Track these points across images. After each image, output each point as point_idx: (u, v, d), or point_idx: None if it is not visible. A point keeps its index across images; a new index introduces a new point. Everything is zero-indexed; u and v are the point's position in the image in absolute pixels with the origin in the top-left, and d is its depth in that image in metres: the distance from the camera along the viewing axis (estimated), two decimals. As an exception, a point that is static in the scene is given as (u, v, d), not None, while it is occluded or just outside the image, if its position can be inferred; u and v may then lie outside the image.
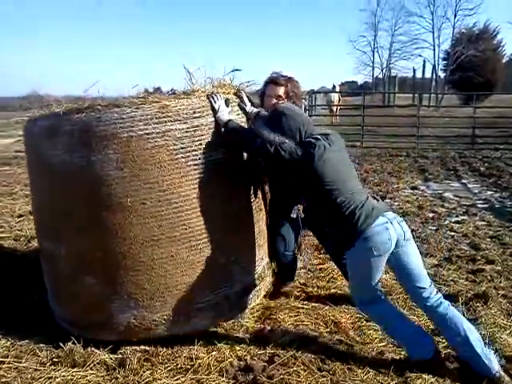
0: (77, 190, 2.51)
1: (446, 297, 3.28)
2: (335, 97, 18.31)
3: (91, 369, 2.49)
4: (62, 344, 2.65)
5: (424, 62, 36.60)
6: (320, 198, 2.44)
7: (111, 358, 2.58)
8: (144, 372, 2.47)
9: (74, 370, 2.48)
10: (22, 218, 5.50)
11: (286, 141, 2.41)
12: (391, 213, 2.49)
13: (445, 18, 35.56)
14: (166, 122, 2.46)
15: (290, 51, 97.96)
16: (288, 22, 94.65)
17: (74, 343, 2.63)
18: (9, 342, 2.74)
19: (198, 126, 2.55)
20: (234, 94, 2.90)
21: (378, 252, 2.35)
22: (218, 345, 2.69)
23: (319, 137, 2.45)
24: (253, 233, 2.93)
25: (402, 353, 2.64)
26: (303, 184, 2.47)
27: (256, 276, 2.98)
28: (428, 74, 35.55)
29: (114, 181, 2.44)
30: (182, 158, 2.51)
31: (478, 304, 3.17)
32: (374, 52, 39.57)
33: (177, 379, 2.42)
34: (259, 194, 3.06)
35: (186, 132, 2.51)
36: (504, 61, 34.73)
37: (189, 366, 2.51)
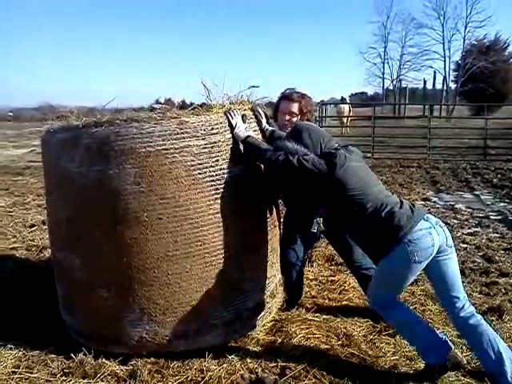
0: (93, 203, 2.52)
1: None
2: (345, 108, 18.32)
3: (102, 380, 2.49)
4: (73, 355, 2.65)
5: (434, 73, 36.64)
6: (346, 207, 2.43)
7: (122, 370, 2.57)
8: (155, 384, 2.46)
9: (85, 381, 2.48)
10: (34, 228, 5.54)
11: (308, 153, 2.43)
12: (433, 217, 2.43)
13: (455, 29, 35.62)
14: (184, 138, 2.47)
15: (301, 62, 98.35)
16: (297, 32, 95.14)
17: (84, 354, 2.63)
18: (21, 353, 2.74)
19: (215, 143, 2.56)
20: (251, 109, 2.92)
21: (419, 258, 2.28)
22: (229, 357, 2.67)
23: (339, 147, 2.49)
24: (266, 250, 2.93)
25: (415, 366, 2.60)
26: (327, 194, 2.46)
27: (268, 293, 2.97)
28: (438, 85, 35.59)
29: (131, 195, 2.45)
30: (199, 174, 2.52)
31: (492, 318, 3.12)
32: (384, 63, 39.67)
33: (187, 394, 2.41)
34: (274, 211, 3.06)
35: (204, 148, 2.52)
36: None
37: (199, 379, 2.49)
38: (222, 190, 2.59)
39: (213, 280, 2.63)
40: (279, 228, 3.21)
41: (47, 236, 4.98)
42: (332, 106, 21.24)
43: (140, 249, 2.50)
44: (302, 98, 3.12)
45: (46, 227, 5.43)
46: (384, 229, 2.34)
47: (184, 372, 2.55)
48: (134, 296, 2.56)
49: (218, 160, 2.57)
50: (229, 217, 2.63)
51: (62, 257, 2.77)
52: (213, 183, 2.56)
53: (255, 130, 2.85)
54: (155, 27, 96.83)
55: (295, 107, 3.09)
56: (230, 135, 2.63)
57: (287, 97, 3.13)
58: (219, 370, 2.55)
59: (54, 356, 2.71)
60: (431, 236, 2.29)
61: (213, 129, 2.56)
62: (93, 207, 2.53)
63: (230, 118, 2.63)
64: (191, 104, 2.84)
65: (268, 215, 2.94)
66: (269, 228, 2.95)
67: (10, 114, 31.76)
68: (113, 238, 2.52)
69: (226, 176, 2.60)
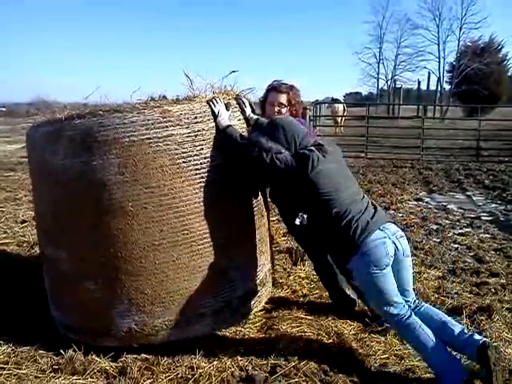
0: (78, 195, 2.51)
1: (450, 310, 3.28)
2: (340, 107, 18.36)
3: (91, 377, 2.48)
4: (62, 351, 2.64)
5: (429, 74, 36.87)
6: (316, 210, 2.45)
7: (112, 366, 2.56)
8: (144, 381, 2.45)
9: (74, 377, 2.47)
10: (25, 224, 5.51)
11: (282, 151, 2.43)
12: (393, 226, 2.46)
13: (450, 30, 35.88)
14: (167, 126, 2.47)
15: (295, 62, 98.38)
16: (293, 32, 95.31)
17: (74, 350, 2.62)
18: (10, 349, 2.73)
19: (199, 131, 2.56)
20: (235, 99, 2.90)
21: (377, 267, 2.32)
22: (220, 354, 2.67)
23: (313, 148, 2.45)
24: (254, 238, 2.93)
25: (405, 364, 2.62)
26: (300, 195, 2.48)
27: (258, 282, 2.96)
28: (433, 86, 35.81)
29: (116, 185, 2.44)
30: (184, 162, 2.51)
31: (482, 317, 3.14)
32: (379, 63, 39.85)
33: (179, 389, 2.40)
34: (261, 200, 3.06)
35: (188, 137, 2.52)
36: (509, 74, 34.83)
37: (189, 376, 2.48)
38: (206, 179, 2.58)
39: (200, 269, 2.62)
40: (268, 217, 3.21)
41: (38, 232, 4.99)
42: (326, 105, 21.28)
43: (126, 239, 2.49)
44: (290, 90, 3.13)
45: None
46: (342, 238, 2.37)
47: (174, 369, 2.55)
48: (121, 287, 2.55)
49: (202, 149, 2.56)
50: (215, 205, 2.63)
51: (49, 251, 2.76)
52: (197, 172, 2.55)
53: (240, 119, 2.84)
54: (153, 26, 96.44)
55: (283, 98, 3.09)
56: (214, 124, 2.62)
57: (275, 88, 3.13)
58: (209, 368, 2.55)
59: (43, 352, 2.70)
60: (385, 246, 2.32)
61: (196, 117, 2.55)
62: (77, 199, 2.52)
63: (212, 106, 2.62)
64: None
65: (255, 204, 2.93)
66: (256, 217, 2.94)
67: (3, 108, 31.54)
68: (98, 230, 2.51)
69: (210, 164, 2.59)
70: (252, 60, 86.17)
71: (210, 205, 2.61)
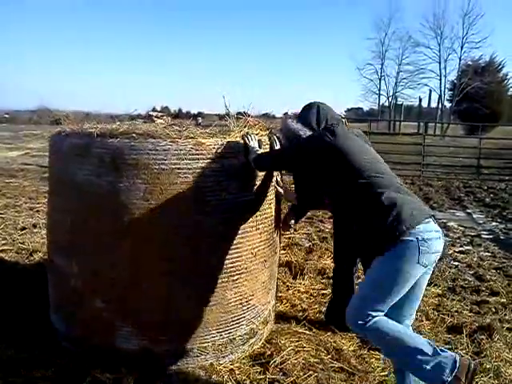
0: (100, 213, 2.50)
1: (450, 328, 3.26)
2: (341, 122, 18.39)
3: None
4: (58, 360, 2.61)
5: (430, 91, 37.12)
6: (347, 186, 2.14)
7: (108, 377, 2.52)
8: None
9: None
10: (24, 231, 5.48)
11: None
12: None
13: (451, 49, 36.22)
14: (198, 159, 2.47)
15: (297, 76, 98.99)
16: (295, 46, 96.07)
17: (71, 361, 2.59)
18: (5, 356, 2.70)
19: (229, 166, 2.55)
20: (268, 134, 2.91)
21: (425, 261, 2.00)
22: (217, 368, 2.64)
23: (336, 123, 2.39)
24: (265, 276, 2.92)
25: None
26: (333, 174, 2.21)
27: (262, 320, 2.95)
28: (434, 104, 36.01)
29: (138, 210, 2.43)
30: (209, 196, 2.51)
31: (482, 336, 3.12)
32: (380, 80, 40.14)
33: (173, 402, 2.37)
34: (276, 238, 3.05)
35: (216, 171, 2.51)
36: (509, 93, 35.08)
37: (186, 388, 2.46)
38: (229, 215, 2.58)
39: (211, 303, 2.61)
40: (279, 255, 3.21)
41: (37, 239, 4.97)
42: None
43: (141, 263, 2.49)
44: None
45: (36, 230, 5.40)
46: (394, 216, 1.98)
47: (169, 380, 2.51)
48: (129, 310, 2.54)
49: (230, 184, 2.56)
50: (232, 242, 2.63)
51: (60, 261, 2.74)
52: (221, 207, 2.55)
53: None
54: (153, 31, 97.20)
55: None
56: (244, 160, 2.61)
57: None
58: (207, 381, 2.52)
59: (40, 362, 2.67)
60: (439, 241, 2.05)
61: (227, 152, 2.55)
62: (98, 216, 2.50)
63: (247, 140, 2.61)
64: (187, 113, 2.86)
65: (270, 242, 2.92)
66: (270, 255, 2.93)
67: (6, 115, 31.65)
68: (115, 250, 2.49)
69: (235, 200, 2.59)
70: (258, 77, 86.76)
71: (228, 240, 2.61)
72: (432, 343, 2.03)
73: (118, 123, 2.86)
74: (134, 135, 2.44)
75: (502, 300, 3.86)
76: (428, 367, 1.95)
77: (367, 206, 2.08)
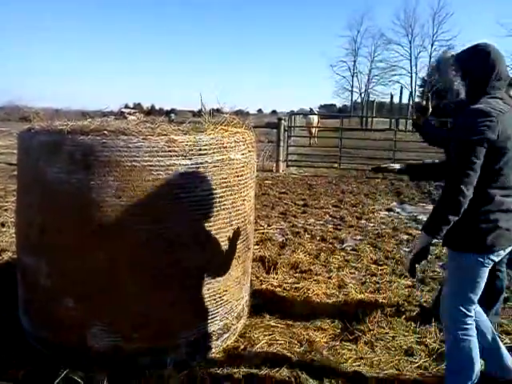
0: (70, 211, 2.45)
1: (420, 317, 3.34)
2: (314, 119, 18.55)
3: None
4: (28, 362, 2.57)
5: (401, 88, 37.71)
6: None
7: (80, 376, 2.49)
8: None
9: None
10: (-8, 231, 5.36)
11: None
12: None
13: (422, 46, 36.90)
14: (171, 156, 2.45)
15: (272, 72, 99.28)
16: (268, 44, 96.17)
17: (42, 361, 2.56)
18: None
19: (202, 164, 2.54)
20: (244, 130, 2.90)
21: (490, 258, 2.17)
22: (191, 363, 2.64)
23: None
24: (239, 272, 2.92)
25: (377, 371, 2.65)
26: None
27: (235, 315, 2.97)
28: (405, 100, 36.51)
29: (110, 208, 2.40)
30: (182, 193, 2.49)
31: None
32: (353, 77, 40.61)
33: (147, 398, 2.37)
34: (250, 234, 3.06)
35: (190, 168, 2.50)
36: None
37: (160, 385, 2.45)
38: (203, 212, 2.57)
39: (184, 300, 2.61)
40: (252, 251, 3.22)
41: (6, 239, 4.86)
42: (301, 116, 21.48)
43: (113, 262, 2.46)
44: None
45: (5, 229, 5.27)
46: (478, 231, 2.12)
47: (145, 379, 2.50)
48: (100, 309, 2.52)
49: (202, 181, 2.55)
50: (207, 239, 2.63)
51: (29, 261, 2.69)
52: (195, 204, 2.53)
53: (243, 154, 2.79)
54: (127, 28, 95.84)
55: None
56: (218, 157, 2.60)
57: None
58: (180, 377, 2.52)
59: (10, 363, 2.62)
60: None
61: (201, 149, 2.53)
62: (69, 215, 2.46)
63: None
64: (160, 109, 2.84)
65: (243, 238, 2.92)
66: (243, 251, 2.94)
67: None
68: (86, 249, 2.46)
69: (208, 197, 2.58)
70: (224, 74, 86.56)
71: (202, 238, 2.60)
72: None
73: (89, 120, 2.82)
74: (105, 132, 2.41)
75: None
76: None
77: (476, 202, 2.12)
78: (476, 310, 2.39)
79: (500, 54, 2.16)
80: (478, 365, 2.29)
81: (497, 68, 2.11)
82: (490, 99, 2.08)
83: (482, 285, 2.23)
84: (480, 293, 2.25)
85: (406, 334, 3.13)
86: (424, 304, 3.63)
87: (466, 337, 2.24)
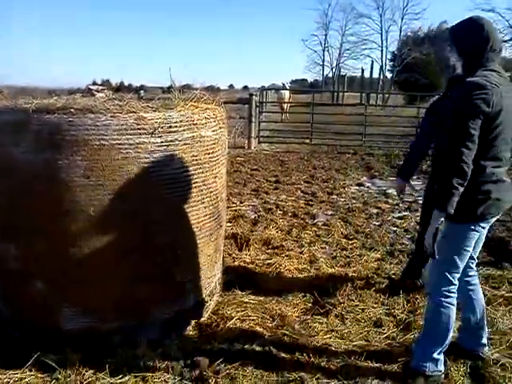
0: (38, 192, 2.39)
1: (388, 288, 3.44)
2: (286, 94, 18.47)
3: (30, 370, 2.40)
4: (1, 347, 2.55)
5: (372, 62, 37.86)
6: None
7: (52, 359, 2.49)
8: (86, 371, 2.40)
9: (11, 371, 2.38)
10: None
11: None
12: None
13: (392, 20, 37.01)
14: (140, 134, 2.40)
15: (242, 48, 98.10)
16: (239, 18, 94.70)
17: (14, 344, 2.54)
18: None
19: (172, 141, 2.49)
20: (215, 106, 2.86)
21: (482, 227, 2.28)
22: (164, 341, 2.66)
23: None
24: (211, 250, 2.93)
25: (347, 343, 2.73)
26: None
27: (208, 293, 2.98)
28: (376, 74, 36.72)
29: (79, 188, 2.35)
30: (153, 172, 2.46)
31: (417, 296, 3.31)
32: (324, 51, 40.51)
33: (120, 378, 2.38)
34: (221, 211, 3.05)
35: (160, 146, 2.46)
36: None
37: (133, 364, 2.46)
38: (173, 190, 2.55)
39: (156, 278, 2.60)
40: (224, 228, 3.23)
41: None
42: (273, 91, 21.36)
43: (83, 243, 2.42)
44: None
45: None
46: (469, 202, 2.18)
47: (117, 358, 2.51)
48: (71, 290, 2.49)
49: (172, 159, 2.52)
50: (178, 216, 2.61)
51: None
52: (166, 182, 2.51)
53: (214, 130, 2.75)
54: (92, 4, 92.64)
55: None
56: (189, 134, 2.56)
57: None
58: (155, 355, 2.53)
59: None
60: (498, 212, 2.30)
61: (171, 127, 2.49)
62: (37, 196, 2.40)
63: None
64: (129, 86, 2.78)
65: (215, 215, 2.91)
66: (215, 228, 2.93)
67: None
68: (55, 230, 2.42)
69: (179, 175, 2.56)
70: (194, 49, 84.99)
71: (174, 215, 2.59)
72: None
73: (56, 98, 2.74)
74: (72, 110, 2.34)
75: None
76: (429, 355, 2.39)
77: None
78: (475, 288, 2.56)
79: (492, 25, 2.20)
80: (451, 333, 2.41)
81: (491, 40, 2.14)
82: (486, 72, 2.12)
83: (470, 252, 2.33)
84: (466, 261, 2.35)
85: (375, 305, 3.22)
86: (393, 276, 3.72)
87: (447, 304, 2.34)
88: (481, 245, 2.47)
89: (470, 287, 2.56)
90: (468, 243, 2.29)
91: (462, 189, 2.09)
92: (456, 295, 2.38)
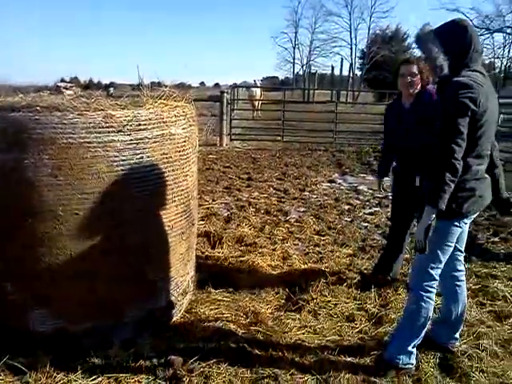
0: (5, 193, 2.33)
1: (360, 284, 3.49)
2: (257, 91, 18.49)
3: (-3, 373, 2.34)
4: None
5: (342, 60, 38.21)
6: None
7: (22, 362, 2.43)
8: (58, 374, 2.36)
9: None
10: None
11: None
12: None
13: (361, 18, 37.42)
14: (108, 132, 2.36)
15: (213, 45, 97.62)
16: (210, 15, 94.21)
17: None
18: None
19: (141, 139, 2.46)
20: (185, 103, 2.83)
21: (464, 222, 2.37)
22: (137, 341, 2.63)
23: None
24: (183, 248, 2.91)
25: (320, 338, 2.76)
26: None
27: (180, 291, 2.96)
28: (345, 72, 37.07)
29: (47, 187, 2.30)
30: (122, 170, 2.42)
31: (388, 290, 3.37)
32: (294, 48, 40.67)
33: (93, 379, 2.34)
34: (193, 210, 3.03)
35: (129, 144, 2.42)
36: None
37: (105, 365, 2.43)
38: (144, 189, 2.52)
39: (128, 278, 2.57)
40: (196, 226, 3.21)
41: None
42: (244, 89, 21.35)
43: (52, 244, 2.38)
44: (419, 60, 3.23)
45: None
46: (455, 200, 2.24)
47: (89, 359, 2.47)
48: (42, 292, 2.45)
49: (142, 157, 2.48)
50: (149, 215, 2.59)
51: None
52: (135, 180, 2.48)
53: (184, 128, 2.72)
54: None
55: (414, 68, 3.22)
56: (159, 132, 2.53)
57: (406, 60, 3.35)
58: (126, 355, 2.51)
59: None
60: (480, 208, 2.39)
61: (140, 124, 2.46)
62: (3, 196, 2.34)
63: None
64: (98, 83, 2.73)
65: (187, 213, 2.89)
66: (187, 226, 2.91)
67: None
68: (23, 231, 2.36)
69: (149, 173, 2.53)
70: (165, 46, 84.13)
71: (144, 215, 2.56)
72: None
73: (21, 96, 2.67)
74: (38, 108, 2.29)
75: (406, 256, 4.15)
76: (404, 348, 2.45)
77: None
78: (462, 284, 2.64)
79: (473, 27, 2.31)
80: (427, 327, 2.48)
81: (474, 41, 2.21)
82: (470, 72, 2.20)
83: (452, 248, 2.40)
84: (448, 257, 2.41)
85: (348, 300, 3.26)
86: (364, 271, 3.77)
87: (427, 298, 2.40)
88: (465, 238, 2.57)
89: (458, 282, 2.64)
90: (451, 239, 2.35)
91: (453, 185, 2.14)
92: (435, 291, 2.44)
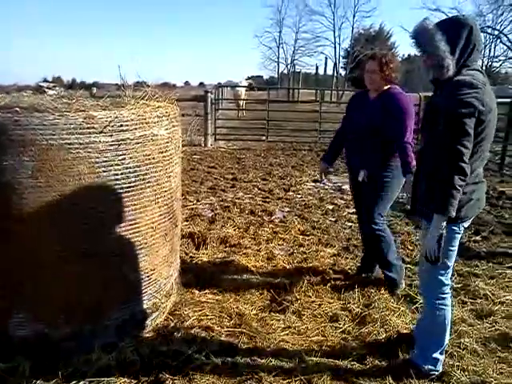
0: None
1: (344, 283, 3.50)
2: (242, 91, 18.48)
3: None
4: None
5: (326, 59, 38.36)
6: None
7: (1, 368, 2.38)
8: (38, 380, 2.32)
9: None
10: None
11: None
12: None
13: (345, 17, 37.58)
14: (90, 133, 2.32)
15: (198, 44, 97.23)
16: (195, 13, 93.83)
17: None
18: None
19: (123, 140, 2.43)
20: (168, 104, 2.80)
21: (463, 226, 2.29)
22: (120, 344, 2.60)
23: None
24: (166, 250, 2.89)
25: (303, 339, 2.76)
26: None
27: (164, 293, 2.94)
28: (330, 71, 37.25)
29: (27, 190, 2.26)
30: (104, 172, 2.39)
31: (372, 290, 3.39)
32: (278, 48, 40.72)
33: (74, 384, 2.31)
34: (176, 211, 3.00)
35: (111, 145, 2.39)
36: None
37: (87, 369, 2.40)
38: (126, 190, 2.49)
39: (109, 281, 2.54)
40: (180, 227, 3.18)
41: None
42: (228, 88, 21.32)
43: (33, 246, 2.34)
44: (384, 56, 3.27)
45: None
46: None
47: (70, 364, 2.44)
48: (21, 296, 2.41)
49: (124, 158, 2.45)
50: (131, 217, 2.56)
51: None
52: (117, 182, 2.45)
53: (167, 129, 2.69)
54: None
55: (374, 64, 3.28)
56: (140, 133, 2.50)
57: (370, 56, 3.38)
58: (109, 359, 2.48)
59: None
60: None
61: (122, 125, 2.43)
62: None
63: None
64: (82, 83, 2.70)
65: (170, 215, 2.87)
66: (170, 228, 2.89)
67: None
68: (4, 234, 2.32)
69: (131, 175, 2.50)
70: (150, 45, 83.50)
71: (125, 216, 2.53)
72: None
73: (1, 96, 2.63)
74: (17, 109, 2.25)
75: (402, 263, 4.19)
76: (429, 357, 2.45)
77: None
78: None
79: (478, 25, 2.21)
80: (448, 334, 2.46)
81: (478, 40, 2.14)
82: (471, 71, 2.13)
83: (456, 250, 2.33)
84: (454, 260, 2.35)
85: (331, 300, 3.27)
86: (348, 271, 3.79)
87: (442, 306, 2.38)
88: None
89: None
90: (454, 243, 2.29)
91: (461, 190, 2.06)
92: (450, 294, 2.42)
